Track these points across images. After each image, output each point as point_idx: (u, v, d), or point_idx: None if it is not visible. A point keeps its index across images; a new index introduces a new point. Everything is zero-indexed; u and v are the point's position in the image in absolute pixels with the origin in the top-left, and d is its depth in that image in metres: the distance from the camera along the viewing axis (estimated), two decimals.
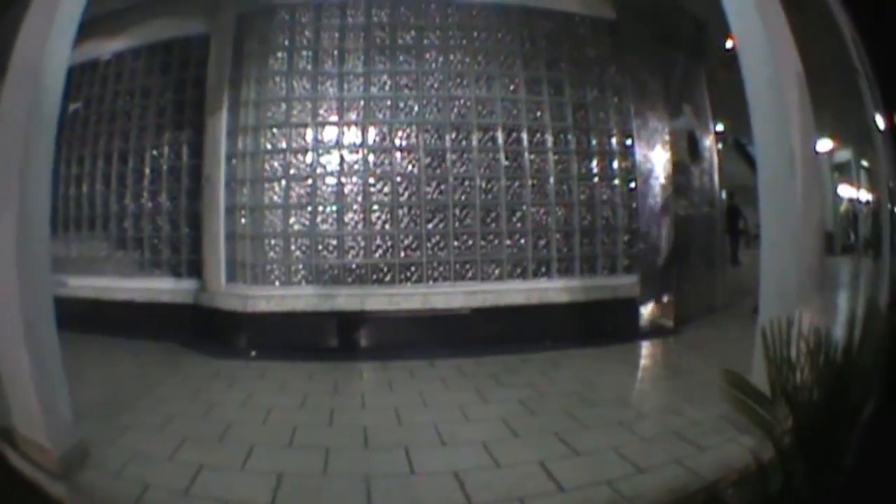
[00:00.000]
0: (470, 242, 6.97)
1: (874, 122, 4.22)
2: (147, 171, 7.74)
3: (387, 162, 6.94)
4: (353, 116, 6.99)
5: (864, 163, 9.59)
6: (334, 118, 6.99)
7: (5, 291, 3.46)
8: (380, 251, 6.88)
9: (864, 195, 9.80)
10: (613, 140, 7.44)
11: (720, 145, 8.80)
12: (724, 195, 8.64)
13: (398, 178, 6.92)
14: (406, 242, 6.89)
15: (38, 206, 3.65)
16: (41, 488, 3.42)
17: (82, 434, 3.77)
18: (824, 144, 8.76)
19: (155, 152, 7.74)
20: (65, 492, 3.39)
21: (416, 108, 7.00)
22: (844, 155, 9.53)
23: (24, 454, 3.54)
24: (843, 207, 10.23)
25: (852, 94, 4.23)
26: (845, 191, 10.21)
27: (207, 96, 7.37)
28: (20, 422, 3.56)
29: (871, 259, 8.14)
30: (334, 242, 6.87)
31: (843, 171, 9.96)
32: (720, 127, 8.86)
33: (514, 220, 7.06)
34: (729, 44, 7.00)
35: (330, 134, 6.98)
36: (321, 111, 7.01)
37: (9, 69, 3.58)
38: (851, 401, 2.76)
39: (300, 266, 6.89)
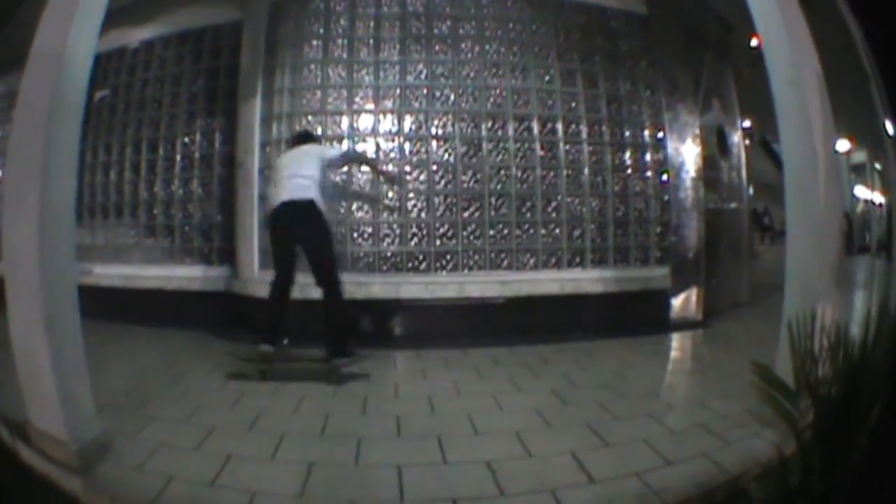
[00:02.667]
0: (505, 232, 6.97)
1: (884, 126, 4.26)
2: (178, 158, 7.71)
3: (423, 150, 6.94)
4: (388, 105, 7.00)
5: (878, 166, 9.73)
6: (370, 106, 6.99)
7: (26, 282, 3.35)
8: (415, 239, 6.87)
9: (878, 197, 9.93)
10: (646, 133, 7.48)
11: (747, 142, 8.90)
12: (751, 191, 8.73)
13: (434, 167, 6.92)
14: (441, 231, 6.88)
15: (62, 194, 3.53)
16: (55, 483, 3.31)
17: (104, 426, 3.63)
18: (843, 145, 8.87)
19: (186, 140, 7.72)
20: (81, 487, 3.26)
21: (451, 97, 7.01)
22: (860, 157, 9.66)
23: (39, 449, 3.44)
24: (859, 208, 10.34)
25: (865, 98, 4.27)
26: (861, 192, 10.33)
27: (240, 84, 7.36)
28: (36, 415, 3.46)
29: (882, 261, 8.24)
30: (369, 230, 6.85)
31: (859, 173, 10.08)
32: (747, 123, 8.96)
33: (550, 210, 7.07)
34: (754, 42, 7.11)
35: (365, 122, 6.98)
36: (357, 99, 7.01)
37: (30, 56, 3.52)
38: (864, 398, 2.77)
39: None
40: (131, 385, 4.93)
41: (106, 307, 6.62)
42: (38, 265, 3.34)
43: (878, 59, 3.69)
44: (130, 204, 7.91)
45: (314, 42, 7.12)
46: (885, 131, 4.09)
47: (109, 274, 7.68)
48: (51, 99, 3.44)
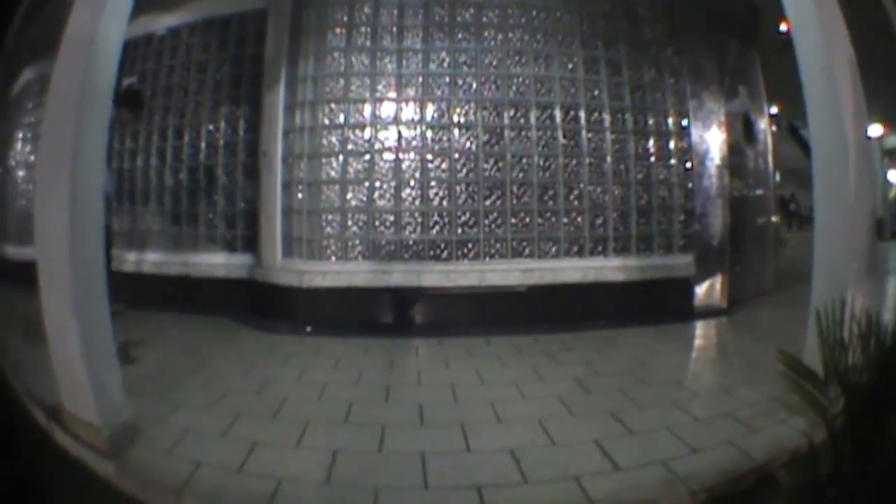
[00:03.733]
0: (527, 220, 6.96)
1: None
2: (203, 145, 7.78)
3: (445, 138, 6.93)
4: (411, 92, 6.99)
5: None
6: (392, 94, 6.99)
7: (57, 267, 3.43)
8: (437, 227, 6.88)
9: None
10: (670, 121, 7.42)
11: (774, 128, 8.79)
12: (777, 177, 8.64)
13: (456, 155, 6.92)
14: (463, 219, 6.89)
15: (91, 180, 3.58)
16: (89, 467, 3.39)
17: (133, 411, 3.71)
18: (875, 130, 8.75)
19: (211, 127, 7.79)
20: (113, 471, 3.33)
21: (474, 85, 6.99)
22: (894, 141, 9.53)
23: (72, 433, 3.52)
24: (892, 193, 10.22)
25: None
26: (894, 176, 10.20)
27: (265, 71, 7.40)
28: (69, 400, 3.53)
29: None
30: (391, 218, 6.86)
31: (893, 157, 9.96)
32: (774, 110, 8.85)
33: (572, 198, 7.05)
34: (783, 27, 7.01)
35: (388, 110, 6.98)
36: (380, 87, 7.01)
37: (63, 43, 3.56)
38: None
39: (357, 241, 6.90)
40: (158, 371, 5.01)
41: (134, 293, 6.74)
42: (69, 252, 3.40)
43: None
44: (157, 190, 8.02)
45: (337, 30, 7.12)
46: None
47: (138, 260, 7.80)
48: (82, 85, 3.50)
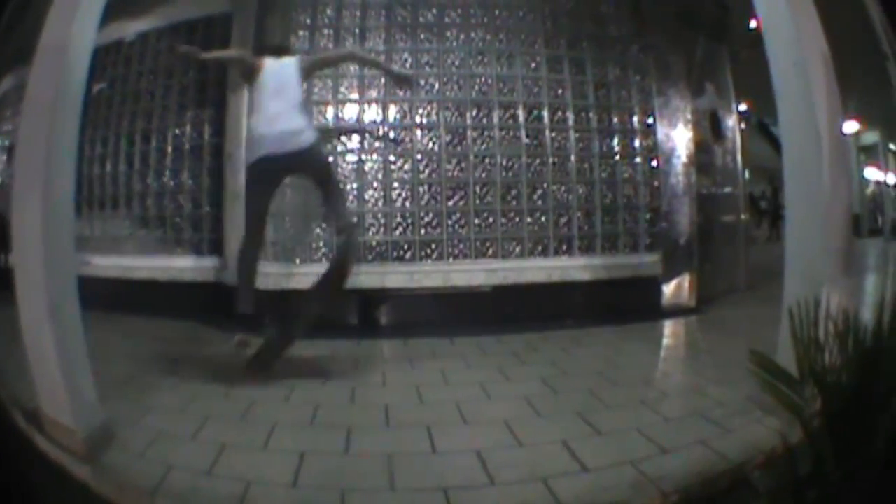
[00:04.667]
0: (491, 220, 6.95)
1: None
2: (169, 150, 7.79)
3: (407, 139, 6.94)
4: (373, 94, 6.99)
5: (893, 146, 9.51)
6: (355, 95, 6.99)
7: (32, 272, 3.46)
8: (400, 228, 6.88)
9: (893, 178, 9.71)
10: (635, 118, 7.39)
11: (743, 125, 8.75)
12: (747, 174, 8.60)
13: (419, 156, 6.91)
14: (426, 220, 6.88)
15: (64, 186, 3.65)
16: (67, 470, 3.41)
17: (106, 415, 3.74)
18: (850, 126, 8.69)
19: (177, 131, 7.79)
20: (90, 474, 3.36)
21: (436, 86, 6.99)
22: (871, 137, 9.45)
23: (50, 436, 3.54)
24: (869, 190, 10.13)
25: (880, 79, 4.18)
26: (872, 173, 10.11)
27: (230, 75, 7.40)
28: (46, 403, 3.55)
29: None
30: (354, 220, 6.84)
31: (870, 154, 9.87)
32: (743, 107, 8.81)
33: (535, 197, 7.03)
34: (753, 23, 6.97)
35: (350, 111, 6.99)
36: (342, 88, 7.01)
37: (37, 51, 3.60)
38: (882, 385, 2.70)
39: (321, 243, 6.89)
40: (128, 374, 5.03)
41: (103, 298, 6.75)
42: (43, 257, 3.45)
43: None
44: (125, 195, 8.03)
45: (301, 32, 7.12)
46: None
47: (107, 265, 7.81)
48: (56, 92, 3.55)
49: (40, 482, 3.51)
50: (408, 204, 6.88)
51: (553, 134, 7.09)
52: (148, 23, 8.06)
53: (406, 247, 6.86)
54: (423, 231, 6.87)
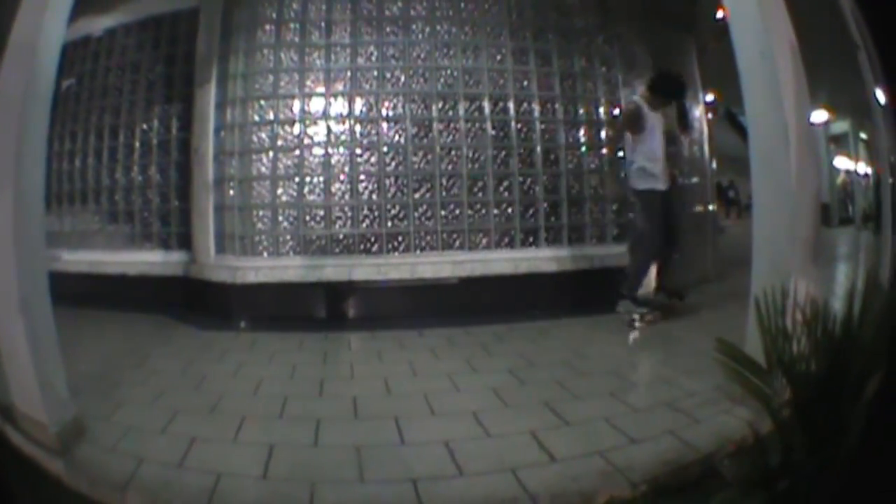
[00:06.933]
0: (457, 212, 6.97)
1: (874, 96, 4.17)
2: (137, 145, 7.81)
3: (373, 132, 6.94)
4: (339, 87, 7.00)
5: (863, 135, 9.54)
6: (321, 89, 7.01)
7: (2, 267, 3.45)
8: (367, 221, 6.90)
9: (863, 168, 9.75)
10: (601, 109, 7.42)
11: (711, 116, 8.78)
12: (714, 165, 8.62)
13: (385, 149, 6.93)
14: (393, 212, 6.90)
15: (34, 182, 3.65)
16: (40, 464, 3.42)
17: (78, 409, 3.75)
18: (820, 115, 8.72)
19: (145, 126, 7.83)
20: (63, 468, 3.37)
21: (402, 79, 7.00)
22: (841, 127, 9.48)
23: (23, 431, 3.54)
24: (839, 179, 10.17)
25: (850, 68, 4.18)
26: (842, 162, 10.15)
27: (196, 69, 7.42)
28: (18, 398, 3.55)
29: (870, 232, 8.07)
30: (321, 213, 6.89)
31: (839, 143, 9.91)
32: (710, 97, 8.84)
33: (502, 189, 7.05)
34: (720, 14, 6.98)
35: (317, 105, 7.01)
36: (308, 82, 7.03)
37: (7, 48, 3.61)
38: (852, 375, 2.71)
39: (288, 237, 6.93)
40: (99, 369, 5.02)
41: (73, 293, 6.75)
42: (13, 252, 3.44)
43: (871, 28, 3.63)
44: (94, 190, 8.05)
45: (267, 26, 7.14)
46: (876, 100, 4.03)
47: (76, 260, 7.82)
48: (25, 88, 3.55)
49: (13, 476, 3.51)
50: (374, 196, 6.90)
51: (519, 126, 7.11)
52: (115, 18, 8.09)
53: (373, 239, 6.88)
54: (389, 223, 6.90)
